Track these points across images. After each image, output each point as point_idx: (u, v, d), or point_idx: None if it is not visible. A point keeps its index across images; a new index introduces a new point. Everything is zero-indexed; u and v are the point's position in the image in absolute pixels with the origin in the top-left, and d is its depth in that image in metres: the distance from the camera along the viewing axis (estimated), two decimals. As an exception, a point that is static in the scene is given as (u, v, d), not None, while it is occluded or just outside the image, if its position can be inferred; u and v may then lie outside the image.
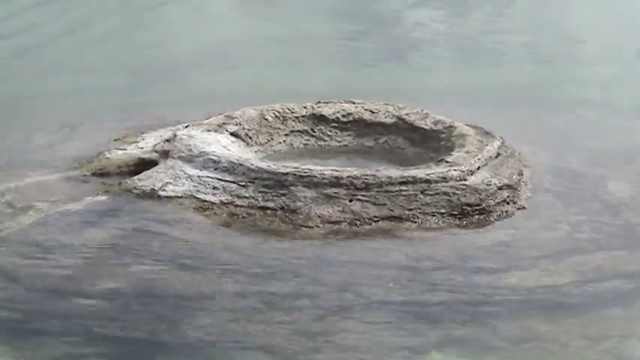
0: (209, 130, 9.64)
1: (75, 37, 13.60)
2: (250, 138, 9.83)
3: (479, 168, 9.10)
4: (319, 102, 10.25)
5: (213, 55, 12.73)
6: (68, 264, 8.23)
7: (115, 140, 9.84)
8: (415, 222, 8.74)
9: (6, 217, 8.76)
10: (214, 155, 9.22)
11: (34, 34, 13.78)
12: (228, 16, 14.50)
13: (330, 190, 8.85)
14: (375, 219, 8.75)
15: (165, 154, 9.40)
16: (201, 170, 9.14)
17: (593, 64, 12.66)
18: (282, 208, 8.81)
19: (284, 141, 9.99)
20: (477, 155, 9.23)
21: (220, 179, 9.05)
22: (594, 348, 7.35)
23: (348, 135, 10.07)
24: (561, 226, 8.79)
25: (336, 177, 8.91)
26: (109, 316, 7.64)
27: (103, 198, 9.11)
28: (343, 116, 10.12)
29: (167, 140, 9.55)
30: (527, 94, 11.45)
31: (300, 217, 8.75)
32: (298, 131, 10.06)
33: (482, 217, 8.85)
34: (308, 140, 10.03)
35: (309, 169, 9.02)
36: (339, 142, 10.02)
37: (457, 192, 8.87)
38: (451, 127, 9.75)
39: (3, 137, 10.25)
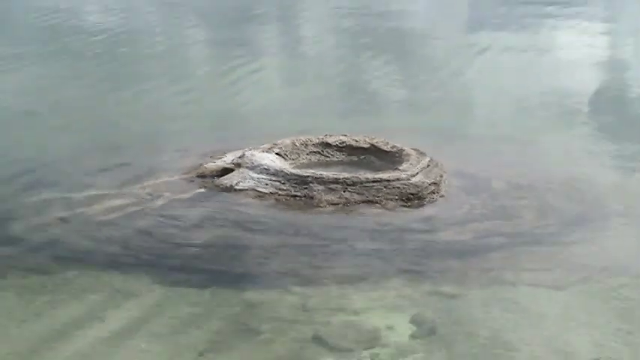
0: (263, 152, 9.66)
1: (177, 93, 13.51)
2: (287, 155, 9.83)
3: (417, 173, 9.11)
4: (326, 135, 10.24)
5: (265, 107, 12.73)
6: (182, 227, 8.29)
7: (210, 157, 9.88)
8: (381, 204, 8.76)
9: (147, 202, 8.80)
10: (266, 166, 9.25)
11: (153, 87, 13.74)
12: (276, 80, 14.47)
13: (332, 186, 8.88)
14: (358, 202, 8.77)
15: (239, 165, 9.41)
16: (258, 174, 9.16)
17: (491, 110, 12.59)
18: (304, 196, 8.84)
19: (306, 157, 9.98)
20: (416, 166, 9.24)
21: (270, 179, 9.08)
22: (485, 276, 7.40)
23: (343, 154, 10.05)
24: (464, 206, 8.80)
25: (336, 178, 8.96)
26: (204, 257, 7.72)
27: (202, 190, 9.14)
28: (340, 143, 10.12)
29: (239, 157, 9.56)
30: (446, 130, 11.42)
31: (315, 201, 8.78)
32: (314, 152, 10.05)
33: (419, 201, 8.85)
34: (320, 157, 10.02)
35: (320, 174, 9.08)
36: (338, 158, 10.01)
37: (405, 186, 8.90)
38: (402, 149, 9.73)
39: (144, 157, 10.25)
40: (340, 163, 9.94)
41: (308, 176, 9.03)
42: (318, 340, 6.37)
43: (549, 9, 20.82)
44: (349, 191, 8.84)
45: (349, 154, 10.06)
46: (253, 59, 15.97)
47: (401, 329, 6.53)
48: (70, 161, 10.06)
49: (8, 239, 8.02)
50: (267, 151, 9.72)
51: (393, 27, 18.56)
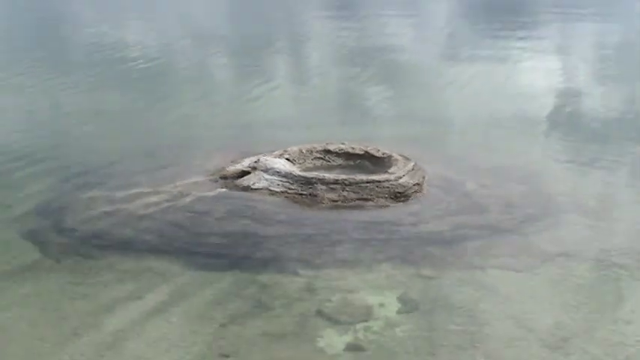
0: (275, 157, 9.63)
1: (205, 109, 13.47)
2: (295, 160, 9.79)
3: (404, 175, 9.06)
4: (327, 143, 10.21)
5: (277, 120, 12.67)
6: (207, 220, 8.29)
7: (231, 162, 9.85)
8: (373, 201, 8.72)
9: (178, 198, 8.79)
10: (278, 169, 9.21)
11: (185, 104, 13.71)
12: (287, 99, 14.39)
13: (333, 186, 8.84)
14: (355, 199, 8.73)
15: (254, 168, 9.38)
16: (271, 176, 9.12)
17: (466, 124, 12.53)
18: (310, 194, 8.80)
19: (311, 162, 9.92)
20: (402, 169, 9.19)
21: (280, 180, 9.04)
22: (459, 261, 7.42)
23: (341, 159, 9.99)
24: (442, 203, 8.78)
25: (335, 179, 8.92)
26: (225, 245, 7.73)
27: (224, 189, 9.10)
28: (339, 150, 10.07)
29: (255, 162, 9.52)
30: (428, 140, 11.36)
31: (318, 198, 8.75)
32: (318, 157, 10.00)
33: (405, 198, 8.81)
34: (322, 162, 9.96)
35: (323, 175, 9.05)
36: (337, 163, 9.95)
37: (393, 186, 8.86)
38: (390, 155, 9.69)
39: (176, 162, 10.21)
40: (339, 166, 9.87)
41: (312, 178, 9.00)
42: (320, 314, 6.41)
43: (525, 43, 20.77)
44: (347, 190, 8.80)
45: (347, 159, 10.00)
46: (268, 81, 15.98)
47: (390, 306, 6.56)
48: (115, 164, 10.08)
49: (62, 230, 8.05)
50: (278, 157, 9.69)
51: (391, 58, 18.52)
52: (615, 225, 8.35)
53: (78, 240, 7.81)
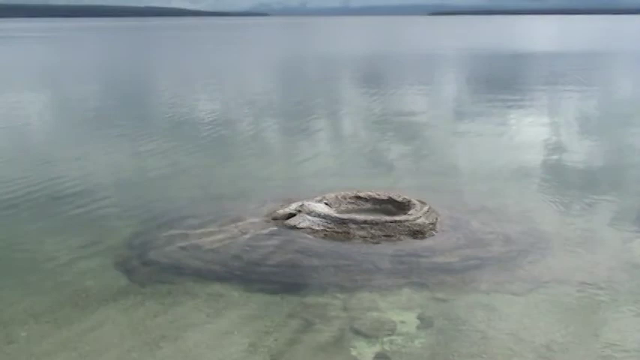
0: (316, 202, 9.70)
1: (259, 163, 13.58)
2: (332, 204, 9.83)
3: (420, 216, 9.06)
4: (358, 191, 10.25)
5: (317, 172, 12.74)
6: (261, 253, 8.33)
7: (280, 206, 9.92)
8: (396, 237, 8.72)
9: (238, 236, 8.88)
10: (318, 211, 9.26)
11: (243, 160, 13.87)
12: (325, 155, 14.46)
13: (362, 225, 8.87)
14: (380, 236, 8.74)
15: (299, 211, 9.44)
16: (313, 217, 9.17)
17: (471, 174, 12.48)
18: (343, 232, 8.84)
19: (345, 206, 9.93)
20: (419, 211, 9.20)
21: (320, 221, 9.08)
22: (467, 287, 7.36)
23: (369, 203, 10.00)
24: (452, 239, 8.73)
25: (365, 220, 8.96)
26: (276, 273, 7.79)
27: (275, 228, 9.16)
28: (367, 196, 10.10)
29: (300, 206, 9.58)
30: (440, 187, 11.32)
31: (351, 235, 8.78)
32: (350, 202, 10.02)
33: (422, 235, 8.79)
34: (354, 206, 9.97)
35: (354, 217, 9.11)
36: (366, 206, 9.95)
37: (412, 226, 8.87)
38: (410, 200, 9.70)
39: (236, 206, 10.32)
40: (368, 209, 9.87)
41: (346, 219, 9.05)
42: (353, 329, 6.45)
43: (518, 110, 20.77)
44: (374, 229, 8.82)
45: (374, 204, 10.01)
46: (310, 142, 16.17)
47: (410, 323, 6.58)
48: (188, 209, 10.25)
49: (146, 261, 8.23)
50: (318, 202, 9.76)
51: (409, 123, 18.61)
52: (595, 255, 8.25)
53: (159, 269, 7.97)
